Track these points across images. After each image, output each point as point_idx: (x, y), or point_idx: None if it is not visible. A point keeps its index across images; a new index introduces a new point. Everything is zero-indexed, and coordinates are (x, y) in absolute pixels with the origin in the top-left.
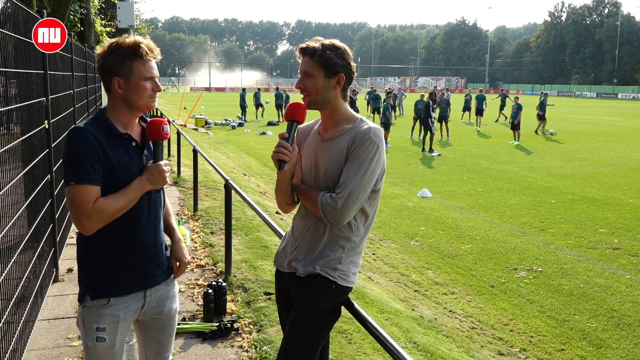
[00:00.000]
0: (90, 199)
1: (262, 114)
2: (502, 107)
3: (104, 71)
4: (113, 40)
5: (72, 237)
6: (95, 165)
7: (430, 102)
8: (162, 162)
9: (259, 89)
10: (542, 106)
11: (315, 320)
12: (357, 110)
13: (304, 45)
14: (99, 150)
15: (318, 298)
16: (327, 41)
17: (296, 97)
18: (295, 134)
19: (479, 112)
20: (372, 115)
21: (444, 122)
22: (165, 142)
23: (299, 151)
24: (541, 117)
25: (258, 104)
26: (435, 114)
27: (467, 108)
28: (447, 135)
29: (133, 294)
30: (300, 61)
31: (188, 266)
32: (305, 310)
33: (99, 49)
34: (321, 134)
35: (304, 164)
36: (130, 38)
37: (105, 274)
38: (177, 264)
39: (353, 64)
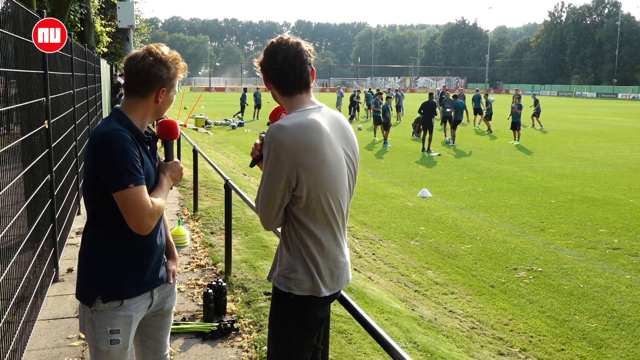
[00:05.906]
0: (149, 198)
1: (258, 115)
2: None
3: (156, 79)
4: (160, 49)
5: (72, 237)
6: (140, 166)
7: (435, 102)
8: (178, 160)
9: (257, 89)
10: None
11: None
12: (357, 109)
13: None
14: (137, 150)
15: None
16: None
17: None
18: None
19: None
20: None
21: (448, 122)
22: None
23: None
24: (536, 114)
25: (257, 105)
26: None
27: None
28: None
29: (143, 294)
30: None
31: (188, 266)
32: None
33: (146, 54)
34: None
35: None
36: (172, 51)
37: (119, 275)
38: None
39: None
